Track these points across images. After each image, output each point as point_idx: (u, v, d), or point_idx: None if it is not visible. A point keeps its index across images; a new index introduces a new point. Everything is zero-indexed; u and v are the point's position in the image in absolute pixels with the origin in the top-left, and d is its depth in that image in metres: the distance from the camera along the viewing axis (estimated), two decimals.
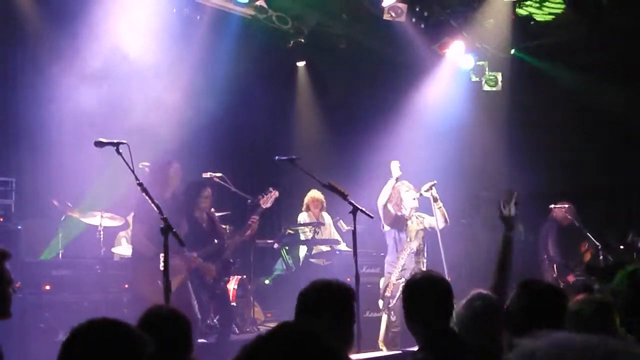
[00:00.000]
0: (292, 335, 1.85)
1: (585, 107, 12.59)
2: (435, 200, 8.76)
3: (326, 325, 3.43)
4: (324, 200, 10.65)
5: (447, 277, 8.22)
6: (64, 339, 2.31)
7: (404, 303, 3.99)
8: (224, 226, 9.02)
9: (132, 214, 8.20)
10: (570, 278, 10.48)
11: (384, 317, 8.71)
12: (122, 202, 8.65)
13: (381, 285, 8.90)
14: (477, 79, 12.90)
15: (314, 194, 10.62)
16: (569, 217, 10.52)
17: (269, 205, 8.60)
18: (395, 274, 8.50)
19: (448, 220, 8.87)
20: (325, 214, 10.90)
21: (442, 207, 8.84)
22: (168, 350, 2.95)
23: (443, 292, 3.92)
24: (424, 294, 3.88)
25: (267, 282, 11.69)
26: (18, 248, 7.55)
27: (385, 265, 8.92)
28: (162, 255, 5.65)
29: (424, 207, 9.00)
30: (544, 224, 11.17)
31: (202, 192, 8.25)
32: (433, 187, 8.78)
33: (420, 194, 8.83)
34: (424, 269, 8.65)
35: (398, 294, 7.59)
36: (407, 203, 8.80)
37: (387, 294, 8.55)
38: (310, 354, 1.79)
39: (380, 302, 8.73)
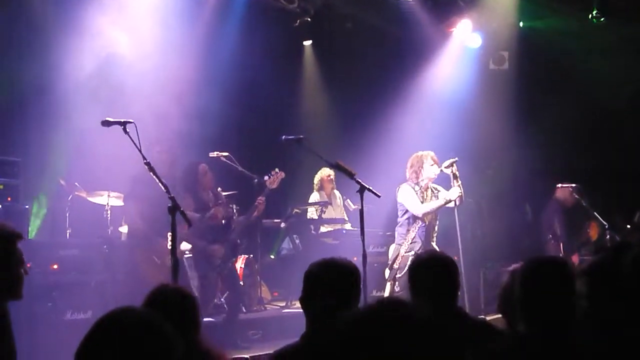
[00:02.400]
0: None
1: (594, 85, 12.52)
2: (455, 177, 8.64)
3: (333, 305, 3.45)
4: (334, 177, 10.67)
5: (460, 254, 8.26)
6: (87, 333, 2.10)
7: (410, 282, 3.99)
8: (230, 205, 9.04)
9: (125, 192, 8.23)
10: (574, 258, 10.48)
11: (388, 287, 8.64)
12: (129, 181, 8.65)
13: (390, 253, 8.79)
14: (484, 58, 12.86)
15: (324, 171, 10.62)
16: (576, 196, 10.50)
17: (275, 186, 8.60)
18: (404, 246, 8.44)
19: (463, 199, 8.74)
20: (336, 192, 10.92)
21: (461, 185, 8.72)
22: (175, 329, 2.95)
23: (449, 271, 3.92)
24: (430, 273, 3.89)
25: (272, 256, 11.72)
26: (25, 228, 7.58)
27: (396, 235, 8.75)
28: (169, 234, 5.67)
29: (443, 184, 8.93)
30: (548, 203, 11.16)
31: (197, 170, 8.27)
32: (454, 164, 8.67)
33: (441, 170, 8.71)
34: (435, 242, 8.62)
35: (406, 267, 7.53)
36: (426, 174, 8.63)
37: (395, 265, 8.48)
38: None
39: (387, 272, 8.62)
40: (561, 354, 3.07)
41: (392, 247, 8.75)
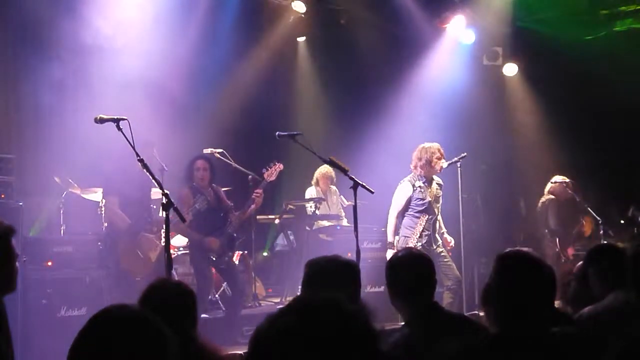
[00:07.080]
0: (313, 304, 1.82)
1: (587, 81, 12.55)
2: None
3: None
4: (334, 176, 10.65)
5: (462, 250, 8.28)
6: (81, 329, 2.11)
7: (386, 280, 4.03)
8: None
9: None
10: (570, 251, 10.50)
11: None
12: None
13: (396, 243, 8.72)
14: (478, 54, 12.88)
15: (324, 169, 10.57)
16: (569, 191, 10.52)
17: (273, 178, 8.57)
18: (413, 239, 8.41)
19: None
20: (333, 188, 10.88)
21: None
22: (172, 326, 2.97)
23: (425, 268, 3.96)
24: (406, 271, 3.94)
25: (264, 254, 11.72)
26: (20, 225, 7.56)
27: (402, 228, 8.72)
28: (162, 230, 5.68)
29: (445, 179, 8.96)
30: (543, 198, 11.19)
31: (193, 165, 8.28)
32: (460, 161, 8.72)
33: (448, 164, 8.71)
34: (438, 234, 8.64)
35: None
36: (435, 167, 8.63)
37: None
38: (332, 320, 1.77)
39: None
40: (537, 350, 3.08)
41: (398, 238, 8.68)
